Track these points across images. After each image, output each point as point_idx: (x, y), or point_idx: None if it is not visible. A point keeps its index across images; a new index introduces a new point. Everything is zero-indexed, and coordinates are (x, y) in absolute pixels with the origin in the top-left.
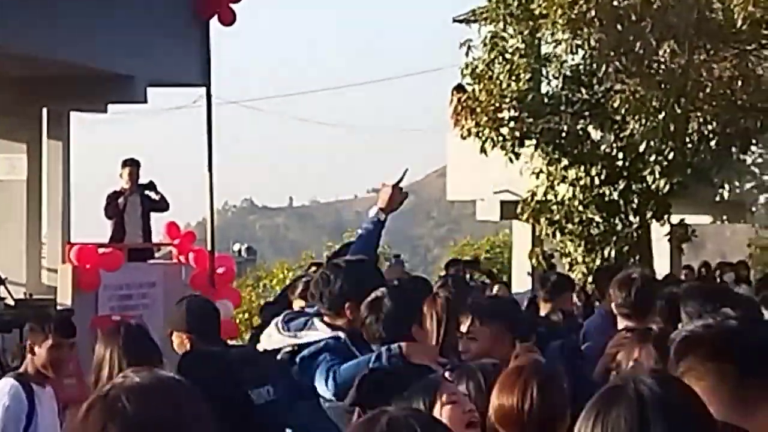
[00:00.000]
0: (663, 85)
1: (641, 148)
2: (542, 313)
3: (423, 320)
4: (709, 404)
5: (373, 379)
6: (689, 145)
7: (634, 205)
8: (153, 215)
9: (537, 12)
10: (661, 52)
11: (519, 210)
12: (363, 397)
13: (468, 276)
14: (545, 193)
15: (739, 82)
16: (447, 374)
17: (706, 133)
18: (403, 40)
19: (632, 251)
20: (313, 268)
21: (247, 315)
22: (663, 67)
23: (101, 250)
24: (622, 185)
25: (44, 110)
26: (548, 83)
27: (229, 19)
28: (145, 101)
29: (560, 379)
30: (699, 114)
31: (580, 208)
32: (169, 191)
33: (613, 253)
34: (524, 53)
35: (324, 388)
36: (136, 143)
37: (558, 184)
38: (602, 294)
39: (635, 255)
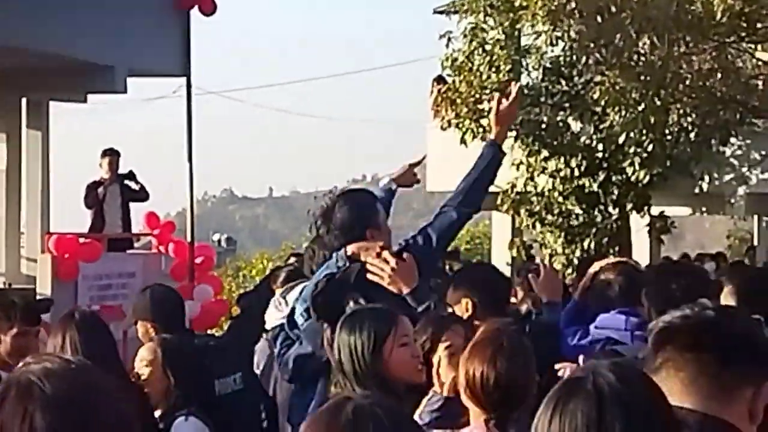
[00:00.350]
0: (643, 77)
1: (621, 140)
2: (523, 307)
3: (379, 225)
4: (689, 395)
5: (319, 290)
6: (669, 137)
7: (614, 197)
8: (132, 205)
9: (517, 3)
10: (640, 45)
11: (499, 201)
12: (317, 309)
13: (447, 267)
14: (525, 185)
15: (719, 75)
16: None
17: (685, 125)
18: (383, 32)
19: (612, 242)
20: (293, 259)
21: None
22: (643, 59)
23: (81, 240)
24: (601, 177)
25: (23, 100)
26: (528, 75)
27: (209, 9)
28: (125, 91)
29: (527, 348)
30: (678, 106)
31: (560, 199)
32: (149, 181)
33: (592, 245)
34: (504, 45)
35: (299, 313)
36: (116, 133)
37: (538, 175)
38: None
39: (615, 246)
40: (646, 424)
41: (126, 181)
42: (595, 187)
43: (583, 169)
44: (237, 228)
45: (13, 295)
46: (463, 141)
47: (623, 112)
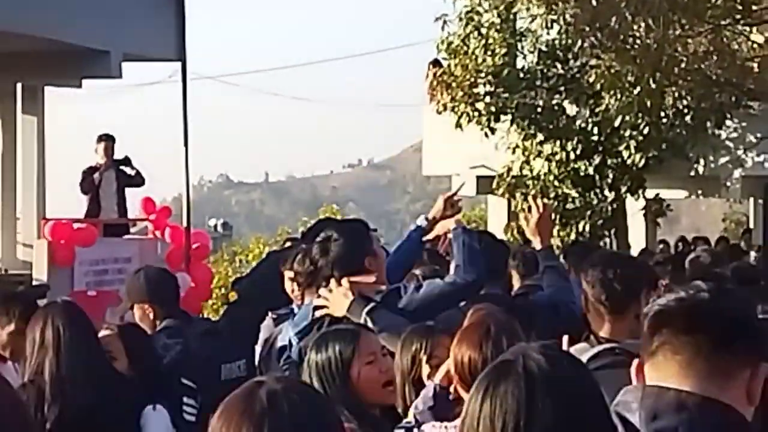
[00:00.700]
0: (638, 60)
1: (616, 123)
2: (516, 286)
3: (374, 251)
4: (686, 378)
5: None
6: (664, 120)
7: (610, 180)
8: (128, 190)
9: None
10: (636, 27)
11: (495, 185)
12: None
13: (444, 251)
14: (521, 168)
15: (714, 57)
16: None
17: (681, 108)
18: (379, 15)
19: (607, 226)
20: (289, 243)
21: (223, 290)
22: (638, 42)
23: (76, 226)
24: (597, 160)
25: (18, 85)
26: (524, 58)
27: None
28: (120, 76)
29: (515, 331)
30: (674, 89)
31: (556, 183)
32: (145, 166)
33: (588, 228)
34: (500, 28)
35: (292, 336)
36: (112, 118)
37: (533, 159)
38: (575, 269)
39: (610, 229)
40: (575, 405)
41: (122, 167)
42: (590, 170)
43: (578, 152)
44: (233, 213)
45: (15, 289)
46: (458, 125)
47: (619, 96)
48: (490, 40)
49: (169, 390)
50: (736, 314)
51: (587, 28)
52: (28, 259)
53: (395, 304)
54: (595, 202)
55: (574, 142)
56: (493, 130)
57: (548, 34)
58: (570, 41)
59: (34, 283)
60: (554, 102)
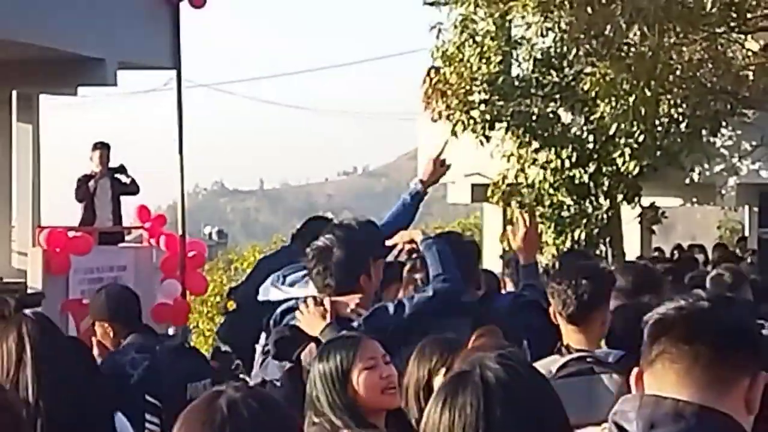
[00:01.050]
0: (633, 68)
1: (611, 131)
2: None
3: (371, 269)
4: (685, 387)
5: (282, 336)
6: (659, 128)
7: (605, 188)
8: (123, 198)
9: None
10: (631, 35)
11: (490, 193)
12: (280, 353)
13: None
14: (516, 176)
15: (709, 65)
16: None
17: (676, 115)
18: (373, 24)
19: (603, 233)
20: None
21: (218, 298)
22: (633, 50)
23: (71, 234)
24: (592, 168)
25: (13, 93)
26: (519, 66)
27: (199, 1)
28: (116, 84)
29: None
30: (669, 97)
31: (551, 190)
32: (140, 174)
33: (583, 236)
34: (495, 36)
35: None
36: (106, 126)
37: (529, 166)
38: None
39: (605, 237)
40: (533, 415)
41: (117, 175)
42: (585, 178)
43: (573, 160)
44: (228, 221)
45: (8, 296)
46: (453, 133)
47: (614, 103)
48: (485, 48)
49: (133, 405)
50: (735, 323)
51: (582, 36)
52: (23, 267)
53: (378, 325)
54: (590, 210)
55: (569, 149)
56: (488, 138)
57: (543, 42)
58: (565, 49)
59: (29, 291)
60: (549, 110)
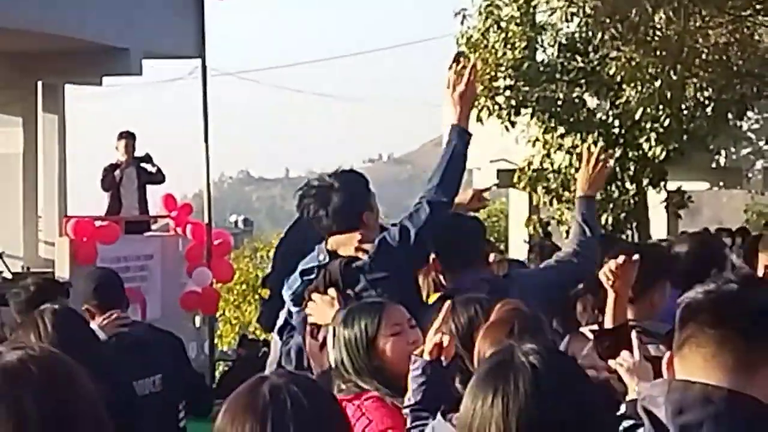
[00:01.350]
0: (659, 52)
1: (637, 116)
2: None
3: (372, 206)
4: (713, 371)
5: (303, 283)
6: (685, 112)
7: (631, 173)
8: (149, 187)
9: None
10: (656, 19)
11: (516, 179)
12: (297, 303)
13: None
14: (541, 162)
15: (735, 48)
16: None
17: (702, 99)
18: (398, 10)
19: (629, 218)
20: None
21: (244, 286)
22: (659, 33)
23: (98, 223)
24: (618, 153)
25: (39, 83)
26: (544, 51)
27: None
28: (140, 73)
29: (540, 328)
30: (695, 80)
31: (577, 176)
32: (165, 163)
33: (610, 221)
34: (519, 22)
35: (288, 301)
36: (132, 115)
37: (554, 152)
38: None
39: (632, 222)
40: (582, 401)
41: (142, 164)
42: (611, 163)
43: (599, 145)
44: (254, 209)
45: (31, 284)
46: (479, 119)
47: (639, 88)
48: (510, 34)
49: None
50: (763, 307)
51: (607, 21)
52: (50, 257)
53: (388, 263)
54: (616, 194)
55: (595, 135)
56: (513, 124)
57: (568, 26)
58: (590, 34)
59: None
60: (575, 95)
